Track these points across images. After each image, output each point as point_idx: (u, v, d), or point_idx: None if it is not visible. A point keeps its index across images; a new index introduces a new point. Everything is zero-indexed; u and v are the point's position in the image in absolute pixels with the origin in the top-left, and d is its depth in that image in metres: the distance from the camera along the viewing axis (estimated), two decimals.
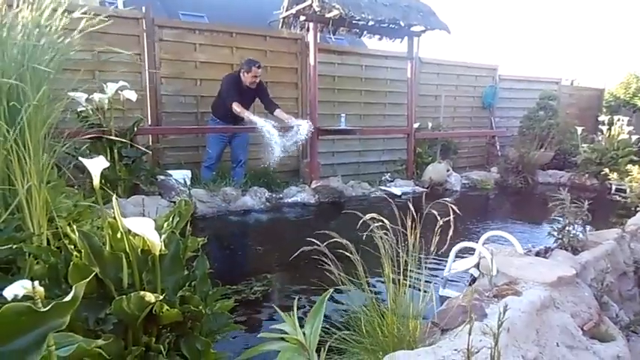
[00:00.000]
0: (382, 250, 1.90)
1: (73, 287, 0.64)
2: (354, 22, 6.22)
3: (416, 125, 7.22)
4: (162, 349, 1.41)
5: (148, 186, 4.55)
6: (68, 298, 0.63)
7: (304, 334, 0.91)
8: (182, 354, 1.52)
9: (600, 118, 7.91)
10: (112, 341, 1.30)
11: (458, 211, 1.97)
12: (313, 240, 1.81)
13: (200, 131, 5.82)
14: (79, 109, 4.16)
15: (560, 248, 2.90)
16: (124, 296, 1.28)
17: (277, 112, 5.65)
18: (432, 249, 1.96)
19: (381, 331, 1.68)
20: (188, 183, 5.05)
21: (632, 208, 4.95)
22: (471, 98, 9.25)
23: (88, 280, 0.71)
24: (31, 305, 0.62)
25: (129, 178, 4.44)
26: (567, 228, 3.00)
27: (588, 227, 3.24)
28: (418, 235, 1.96)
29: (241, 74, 5.41)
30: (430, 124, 7.96)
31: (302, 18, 6.16)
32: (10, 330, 0.63)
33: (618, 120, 7.39)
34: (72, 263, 1.41)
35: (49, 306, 0.62)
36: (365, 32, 6.79)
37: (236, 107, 5.33)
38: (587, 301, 2.35)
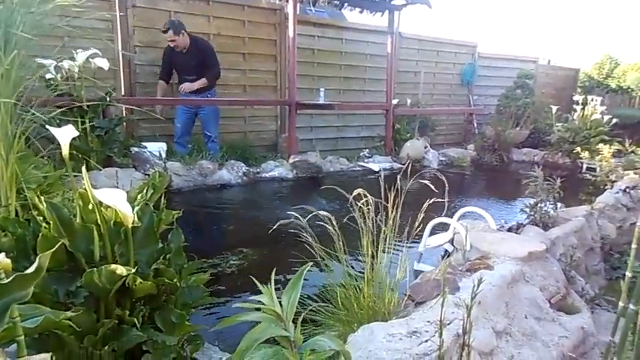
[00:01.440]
0: (360, 225, 1.91)
1: (37, 258, 0.61)
2: None
3: (395, 101, 7.21)
4: (136, 322, 1.39)
5: (121, 158, 4.43)
6: (31, 269, 0.61)
7: (281, 305, 0.91)
8: (157, 327, 1.51)
9: (575, 98, 8.05)
10: (83, 314, 1.27)
11: (444, 182, 1.98)
12: (292, 213, 1.80)
13: (174, 103, 5.67)
14: (47, 77, 3.99)
15: (532, 224, 2.98)
16: (95, 269, 1.25)
17: (200, 80, 5.45)
18: (411, 225, 1.98)
19: (357, 304, 1.70)
20: (163, 156, 4.95)
21: (601, 187, 5.10)
22: (450, 75, 9.27)
23: (52, 250, 0.69)
24: None
25: (101, 149, 4.32)
26: (539, 205, 3.07)
27: (559, 204, 3.33)
28: (395, 211, 1.98)
29: None
30: (409, 101, 7.96)
31: None
32: None
33: (592, 100, 7.53)
34: (40, 235, 1.37)
35: (11, 277, 0.59)
36: (345, 4, 6.68)
37: (158, 88, 5.47)
38: (555, 275, 2.43)
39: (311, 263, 1.13)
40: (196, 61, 5.38)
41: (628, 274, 1.00)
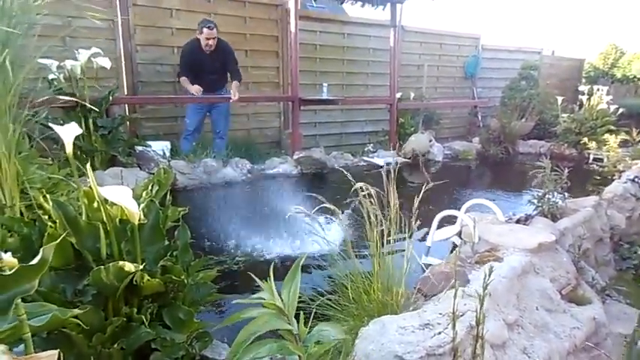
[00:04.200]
0: (367, 219, 1.89)
1: (41, 250, 0.59)
2: None
3: (398, 95, 7.16)
4: (144, 320, 1.38)
5: (125, 157, 4.43)
6: (35, 260, 0.59)
7: (282, 300, 0.89)
8: (165, 324, 1.50)
9: (580, 88, 7.97)
10: (91, 312, 1.26)
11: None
12: (297, 207, 1.79)
13: (178, 101, 5.66)
14: (50, 77, 3.98)
15: (540, 215, 2.95)
16: (103, 267, 1.24)
17: (233, 85, 5.43)
18: (415, 219, 1.96)
19: (367, 297, 1.68)
20: (168, 154, 4.94)
21: (609, 177, 5.05)
22: (454, 68, 9.20)
23: (56, 242, 0.67)
24: None
25: (105, 149, 4.32)
26: (547, 196, 3.04)
27: (567, 195, 3.29)
28: (400, 205, 1.96)
29: (200, 37, 5.22)
30: (412, 94, 7.91)
31: None
32: None
33: (597, 90, 7.45)
34: (47, 234, 1.36)
35: (14, 269, 0.58)
36: None
37: (183, 83, 5.30)
38: (565, 266, 2.40)
39: (306, 254, 1.12)
40: (221, 61, 5.39)
41: None
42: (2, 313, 0.58)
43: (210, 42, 5.17)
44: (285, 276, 1.01)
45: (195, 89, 5.17)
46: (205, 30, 5.11)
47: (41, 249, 0.60)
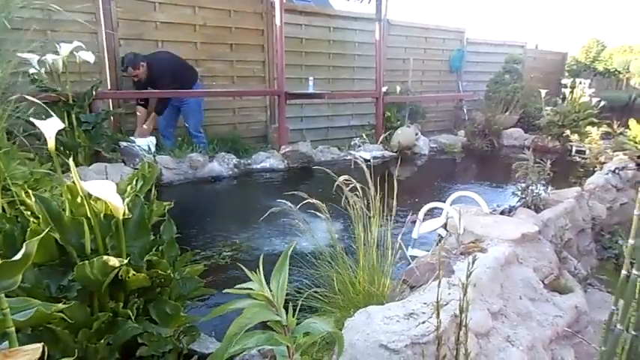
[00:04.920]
0: (352, 211, 1.90)
1: (24, 245, 0.59)
2: None
3: (384, 89, 7.18)
4: (131, 314, 1.37)
5: (110, 153, 4.38)
6: (18, 255, 0.59)
7: (271, 290, 0.90)
8: (152, 319, 1.49)
9: (563, 81, 8.08)
10: (77, 307, 1.25)
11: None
12: (283, 201, 1.79)
13: (161, 95, 5.59)
14: (31, 72, 3.91)
15: (524, 207, 2.99)
16: (87, 261, 1.23)
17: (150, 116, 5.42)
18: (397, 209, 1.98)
19: (353, 289, 1.70)
20: (153, 150, 4.89)
21: (591, 168, 5.14)
22: (439, 62, 9.25)
23: (40, 237, 0.67)
24: None
25: (89, 144, 4.26)
26: (530, 187, 3.09)
27: (550, 187, 3.35)
28: (386, 196, 1.98)
29: None
30: (398, 88, 7.94)
31: None
32: None
33: (580, 83, 7.56)
34: (29, 229, 1.34)
35: None
36: None
37: (138, 115, 5.41)
38: (548, 256, 2.44)
39: (295, 243, 1.13)
40: (155, 82, 5.32)
41: (631, 241, 1.01)
42: None
43: (135, 78, 5.22)
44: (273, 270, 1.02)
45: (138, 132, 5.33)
46: (123, 72, 5.22)
47: (24, 244, 0.59)
